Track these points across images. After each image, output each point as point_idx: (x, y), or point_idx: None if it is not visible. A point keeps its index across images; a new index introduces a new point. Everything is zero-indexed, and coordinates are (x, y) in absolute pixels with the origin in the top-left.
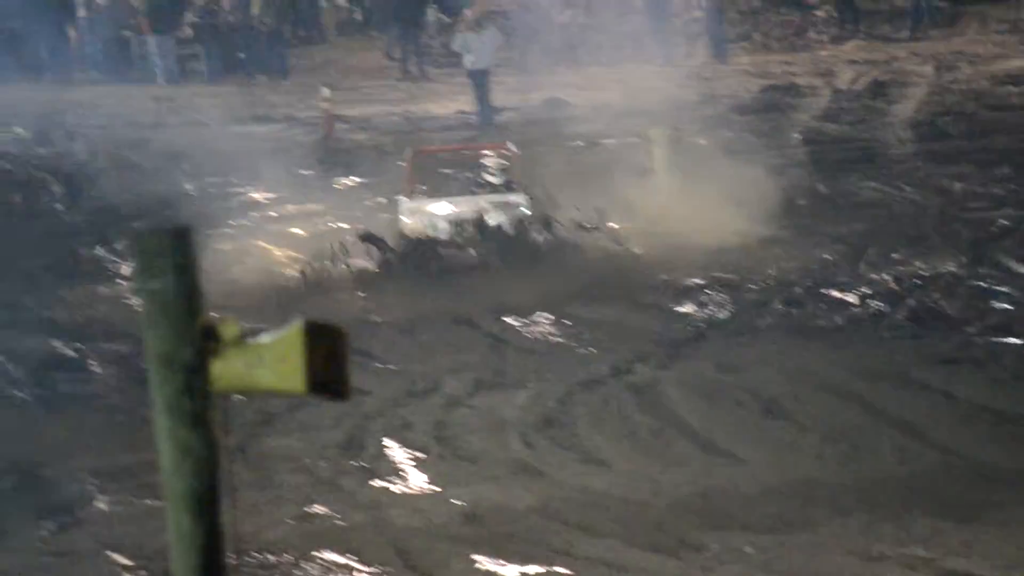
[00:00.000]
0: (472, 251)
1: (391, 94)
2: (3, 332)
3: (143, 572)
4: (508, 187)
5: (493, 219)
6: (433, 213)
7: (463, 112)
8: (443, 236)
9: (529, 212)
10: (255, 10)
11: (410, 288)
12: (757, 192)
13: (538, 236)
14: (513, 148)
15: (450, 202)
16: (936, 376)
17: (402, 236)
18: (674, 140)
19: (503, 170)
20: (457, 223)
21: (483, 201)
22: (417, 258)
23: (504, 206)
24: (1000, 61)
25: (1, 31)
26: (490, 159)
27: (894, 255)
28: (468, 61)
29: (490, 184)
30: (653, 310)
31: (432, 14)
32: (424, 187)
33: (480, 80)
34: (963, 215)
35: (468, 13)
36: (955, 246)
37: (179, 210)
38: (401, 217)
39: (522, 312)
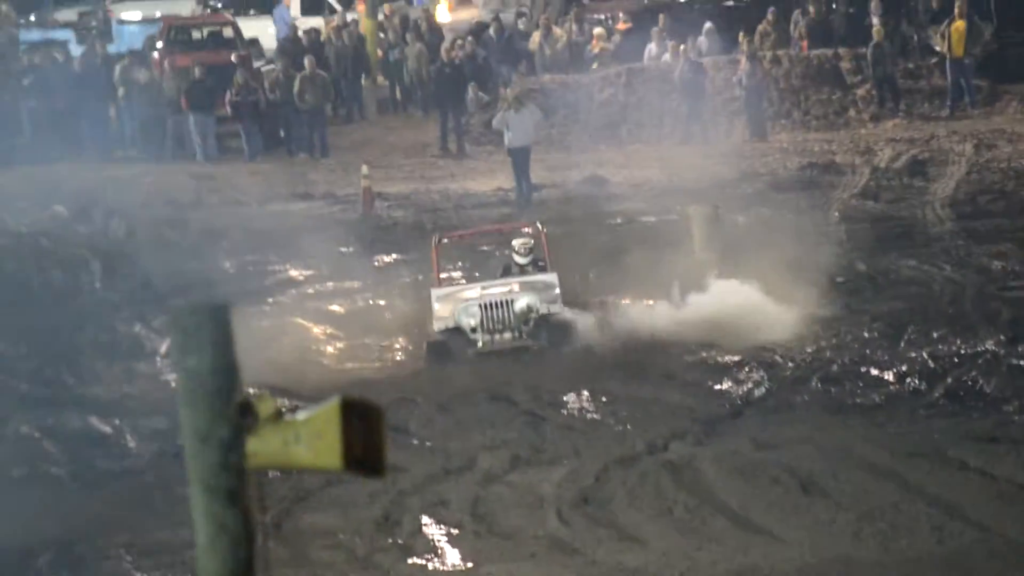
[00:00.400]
0: (507, 335)
1: (430, 171)
2: (41, 409)
3: None
4: (536, 266)
5: (522, 302)
6: (463, 300)
7: (502, 189)
8: (474, 322)
9: (558, 291)
10: (296, 89)
11: (447, 368)
12: (796, 270)
13: (571, 316)
14: (539, 226)
15: (481, 287)
16: (974, 455)
17: (435, 322)
18: (713, 218)
19: (530, 250)
20: (487, 308)
21: (513, 284)
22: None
23: (535, 287)
24: None
25: (44, 111)
26: (517, 240)
27: (933, 333)
28: (507, 139)
29: (519, 266)
30: (690, 387)
31: (472, 92)
32: (457, 273)
33: (519, 157)
34: (1002, 294)
35: (507, 92)
36: (994, 325)
37: (217, 288)
38: (434, 307)
39: (559, 389)
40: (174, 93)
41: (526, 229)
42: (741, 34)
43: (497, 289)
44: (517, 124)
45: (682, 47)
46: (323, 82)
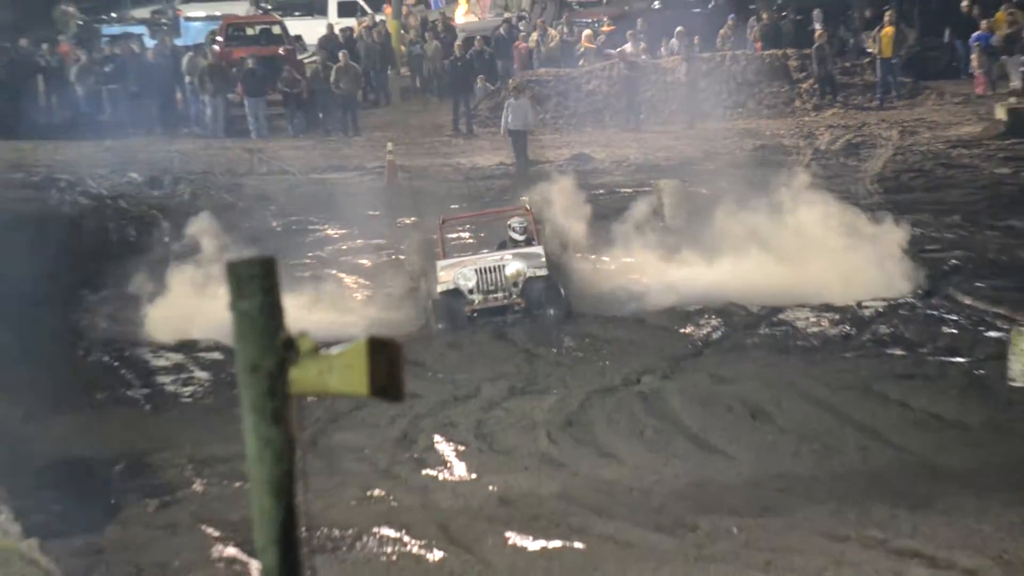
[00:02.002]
0: (499, 295)
1: (444, 148)
2: (118, 343)
3: (230, 542)
4: (528, 241)
5: (512, 267)
6: (462, 267)
7: (503, 164)
8: (471, 284)
9: (544, 259)
10: (332, 78)
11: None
12: (749, 232)
13: (555, 279)
14: (529, 207)
15: (477, 257)
16: (894, 389)
17: (437, 287)
18: (680, 190)
19: (524, 228)
20: (482, 272)
21: (506, 254)
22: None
23: (524, 256)
24: (953, 128)
25: (122, 94)
26: (513, 219)
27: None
28: (507, 122)
29: (514, 241)
30: (659, 330)
31: (479, 83)
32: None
33: (516, 138)
34: (920, 255)
35: (510, 82)
36: (912, 281)
37: (266, 243)
38: (438, 274)
39: (549, 332)
40: (231, 80)
41: (522, 211)
42: (674, 39)
43: (491, 257)
44: (515, 110)
45: (619, 48)
46: (355, 72)
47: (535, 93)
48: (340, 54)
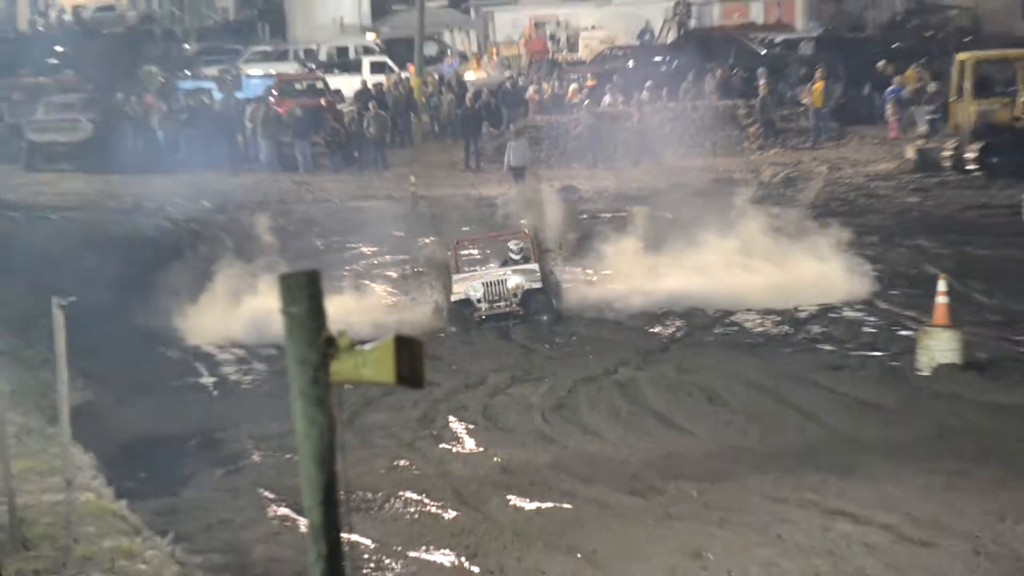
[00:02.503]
0: (501, 304)
1: (457, 181)
2: (189, 341)
3: (283, 503)
4: (525, 260)
5: (512, 281)
6: (472, 280)
7: (506, 193)
8: (478, 295)
9: (539, 275)
10: (365, 124)
11: (461, 326)
12: (708, 249)
13: (549, 291)
14: (528, 232)
15: (484, 272)
16: (825, 377)
17: (452, 297)
18: (649, 215)
19: (521, 249)
20: (488, 284)
21: (507, 270)
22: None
23: (523, 272)
24: (872, 164)
25: (196, 136)
26: (512, 242)
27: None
28: (508, 160)
29: (513, 260)
30: (633, 330)
31: (486, 128)
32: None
33: (517, 173)
34: (845, 269)
35: (511, 127)
36: (839, 290)
37: (311, 259)
38: (453, 286)
39: (544, 333)
40: (284, 125)
41: (522, 235)
42: (644, 92)
43: (495, 273)
44: (515, 150)
45: (586, 102)
46: (383, 119)
47: (531, 136)
48: (370, 104)
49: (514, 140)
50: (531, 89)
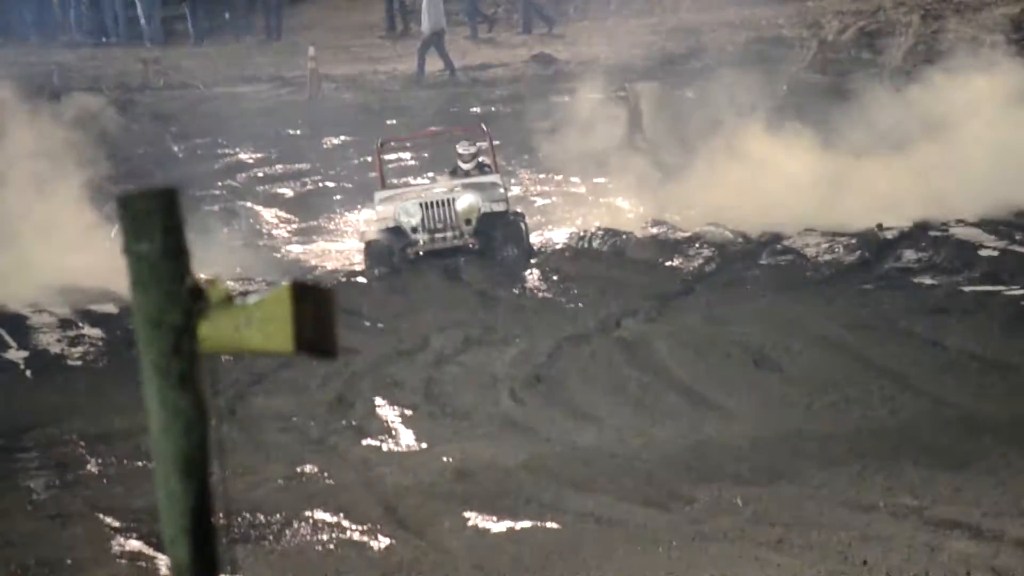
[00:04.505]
0: (448, 234)
1: (377, 53)
2: None
3: (133, 534)
4: (482, 169)
5: (464, 201)
6: (404, 200)
7: (440, 71)
8: (414, 221)
9: (503, 191)
10: None
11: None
12: (747, 144)
13: (518, 216)
14: (484, 127)
15: (422, 189)
16: (924, 325)
17: (374, 224)
18: (660, 94)
19: (473, 155)
20: (428, 207)
21: (455, 185)
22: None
23: (480, 187)
24: (987, 8)
25: None
26: (460, 144)
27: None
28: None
29: (463, 170)
30: (640, 265)
31: None
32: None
33: (435, 41)
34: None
35: None
36: (944, 198)
37: (166, 171)
38: (375, 208)
39: (509, 270)
40: None
41: (474, 134)
42: None
43: (439, 188)
44: (429, 9)
45: None
46: None
47: None
48: None
49: None
50: None
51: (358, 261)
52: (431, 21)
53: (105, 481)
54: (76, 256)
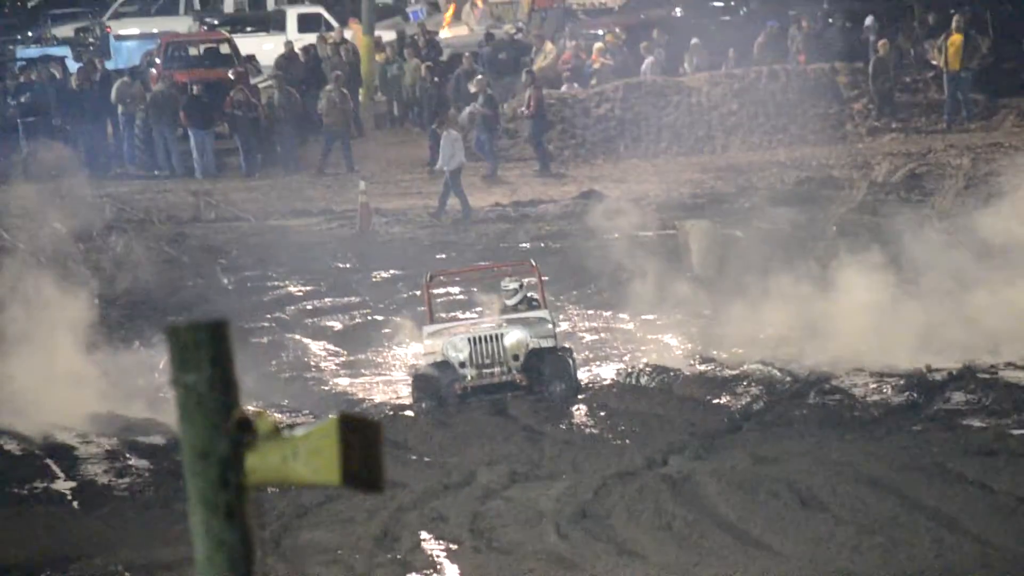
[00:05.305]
0: (496, 370)
1: (427, 187)
2: (42, 426)
3: None
4: (530, 304)
5: (512, 337)
6: (453, 335)
7: (499, 204)
8: (462, 356)
9: (551, 326)
10: (322, 106)
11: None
12: (796, 282)
13: (565, 352)
14: (532, 263)
15: (470, 324)
16: (973, 468)
17: (422, 358)
18: (710, 232)
19: (516, 290)
20: (476, 342)
21: (503, 320)
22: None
23: (527, 323)
24: None
25: (41, 127)
26: (504, 280)
27: (931, 347)
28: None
29: (511, 306)
30: (688, 402)
31: (472, 108)
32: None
33: (451, 178)
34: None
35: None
36: (993, 338)
37: (216, 304)
38: (424, 342)
39: (556, 405)
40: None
41: (524, 269)
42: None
43: (487, 324)
44: (445, 146)
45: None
46: (337, 100)
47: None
48: (334, 75)
49: (444, 132)
50: (535, 52)
51: (405, 395)
52: (445, 158)
53: None
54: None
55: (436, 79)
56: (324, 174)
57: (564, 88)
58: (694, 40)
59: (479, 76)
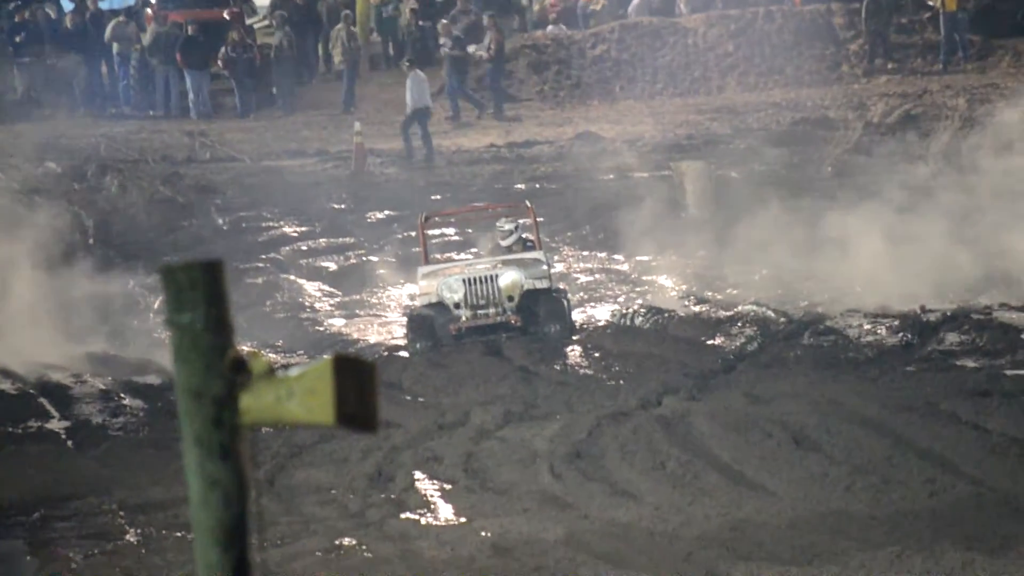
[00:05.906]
0: (491, 311)
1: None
2: (37, 366)
3: None
4: (524, 246)
5: (507, 278)
6: (447, 276)
7: (494, 145)
8: (457, 297)
9: (546, 267)
10: (334, 48)
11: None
12: (789, 226)
13: (561, 293)
14: (528, 204)
15: (465, 264)
16: (966, 408)
17: (417, 299)
18: (705, 173)
19: (511, 232)
20: (471, 283)
21: (498, 261)
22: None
23: (522, 263)
24: None
25: (36, 68)
26: (499, 222)
27: (925, 289)
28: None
29: (506, 247)
30: (682, 343)
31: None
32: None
33: (418, 117)
34: (996, 253)
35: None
36: (990, 282)
37: (211, 244)
38: (418, 283)
39: (551, 346)
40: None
41: (519, 210)
42: None
43: (482, 265)
44: (412, 86)
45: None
46: (352, 38)
47: (532, 60)
48: (343, 14)
49: (411, 74)
50: None
51: (400, 335)
52: (413, 99)
53: (144, 551)
54: (118, 328)
55: (420, 22)
56: (349, 113)
57: (550, 28)
58: None
59: (443, 21)
